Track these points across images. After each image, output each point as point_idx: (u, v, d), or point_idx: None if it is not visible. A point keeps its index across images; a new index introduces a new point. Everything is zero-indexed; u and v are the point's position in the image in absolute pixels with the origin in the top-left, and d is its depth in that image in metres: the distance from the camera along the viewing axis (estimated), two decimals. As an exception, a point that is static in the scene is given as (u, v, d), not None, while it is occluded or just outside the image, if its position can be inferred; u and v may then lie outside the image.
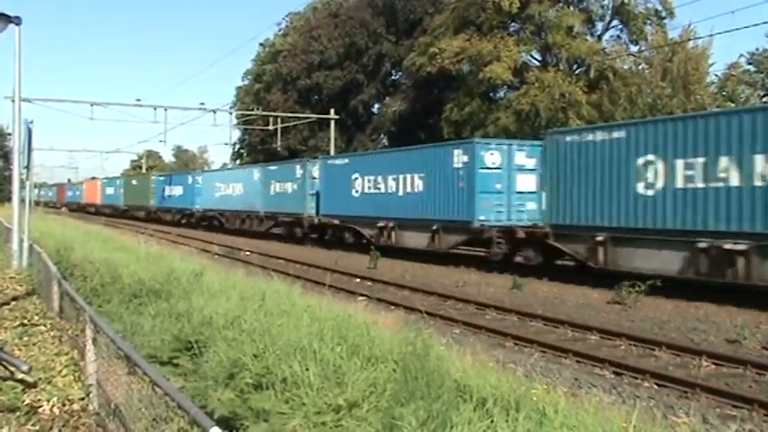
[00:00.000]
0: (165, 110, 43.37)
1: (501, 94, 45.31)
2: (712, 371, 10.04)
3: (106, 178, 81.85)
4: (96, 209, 76.21)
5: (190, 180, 51.97)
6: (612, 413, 4.94)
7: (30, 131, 15.40)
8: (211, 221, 48.01)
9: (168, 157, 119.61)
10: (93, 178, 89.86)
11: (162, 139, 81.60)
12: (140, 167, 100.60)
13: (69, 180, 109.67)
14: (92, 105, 41.72)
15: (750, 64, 43.04)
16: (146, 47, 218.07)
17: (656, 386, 9.20)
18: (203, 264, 14.54)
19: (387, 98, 55.35)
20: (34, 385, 5.66)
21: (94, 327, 6.34)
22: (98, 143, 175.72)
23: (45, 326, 9.04)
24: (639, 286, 15.49)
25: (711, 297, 15.63)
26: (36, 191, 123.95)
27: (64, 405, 5.90)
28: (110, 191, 73.11)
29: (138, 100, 43.33)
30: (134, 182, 67.70)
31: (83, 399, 6.11)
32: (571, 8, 42.59)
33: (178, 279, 11.28)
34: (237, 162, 70.68)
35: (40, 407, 5.80)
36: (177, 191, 53.89)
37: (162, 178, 60.26)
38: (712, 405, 8.38)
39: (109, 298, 11.46)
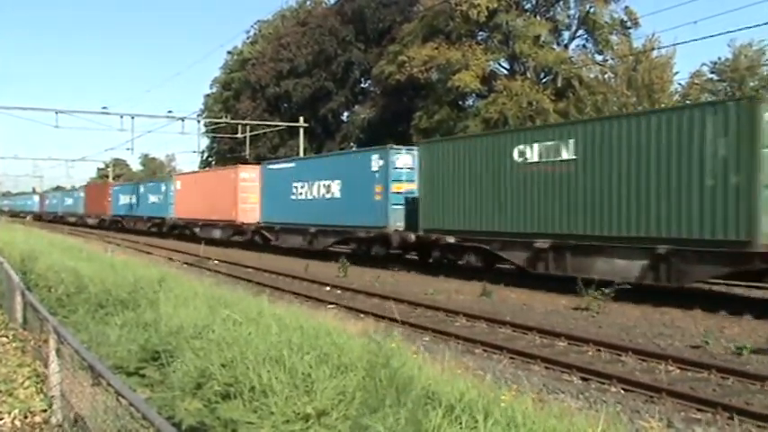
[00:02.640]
0: (132, 118, 43.02)
1: (470, 102, 45.74)
2: (678, 375, 10.16)
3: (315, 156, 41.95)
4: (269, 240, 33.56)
5: None
6: (580, 418, 4.98)
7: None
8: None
9: (136, 165, 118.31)
10: (245, 162, 42.59)
11: (129, 147, 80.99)
12: (107, 176, 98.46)
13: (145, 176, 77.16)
14: (57, 113, 41.22)
15: (713, 73, 43.88)
16: (112, 54, 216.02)
17: (622, 391, 9.28)
18: (171, 273, 14.39)
19: (356, 106, 55.45)
20: (-5, 397, 5.55)
21: (58, 337, 6.25)
22: (63, 151, 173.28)
23: (7, 337, 8.90)
24: (606, 293, 15.64)
25: (677, 302, 15.83)
26: (33, 199, 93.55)
27: (26, 417, 5.81)
28: (330, 190, 28.62)
29: (105, 108, 43.09)
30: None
31: (45, 411, 6.01)
32: (538, 18, 43.14)
33: (145, 288, 11.14)
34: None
35: (1, 419, 5.70)
36: None
37: None
38: (677, 409, 8.48)
39: (74, 308, 11.28)
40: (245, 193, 36.15)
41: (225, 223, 38.01)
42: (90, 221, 64.42)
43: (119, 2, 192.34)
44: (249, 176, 36.36)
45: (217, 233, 39.14)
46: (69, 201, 73.88)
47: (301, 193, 30.41)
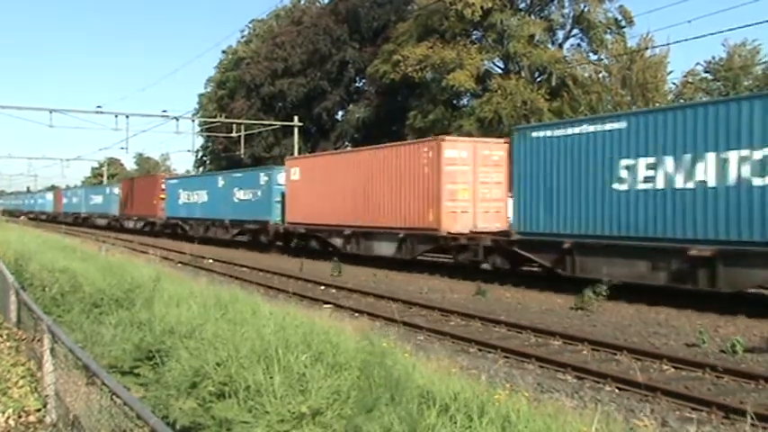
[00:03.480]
0: (127, 117, 42.85)
1: (464, 101, 45.74)
2: (672, 374, 10.18)
3: None
4: None
5: None
6: (574, 417, 4.99)
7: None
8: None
9: (130, 164, 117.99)
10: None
11: (123, 146, 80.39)
12: (101, 175, 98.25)
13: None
14: (51, 112, 41.07)
15: (707, 72, 44.00)
16: (107, 53, 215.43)
17: (617, 390, 9.29)
18: (166, 272, 14.37)
19: (350, 105, 55.38)
20: (-11, 397, 5.54)
21: (52, 336, 6.23)
22: (58, 151, 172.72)
23: (1, 336, 8.87)
24: (601, 292, 15.65)
25: (672, 301, 15.85)
26: (46, 197, 77.48)
27: (20, 417, 5.79)
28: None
29: (99, 107, 42.71)
30: None
31: (39, 410, 6.00)
32: (532, 17, 43.18)
33: (140, 288, 11.13)
34: (201, 170, 69.96)
35: (-5, 419, 5.68)
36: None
37: None
38: (672, 408, 8.49)
39: (69, 308, 11.26)
40: (454, 184, 22.60)
41: (408, 232, 23.76)
42: (129, 225, 51.12)
43: (114, 1, 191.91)
44: (460, 156, 22.72)
45: (387, 248, 24.84)
46: (97, 199, 59.33)
47: (647, 179, 16.58)
